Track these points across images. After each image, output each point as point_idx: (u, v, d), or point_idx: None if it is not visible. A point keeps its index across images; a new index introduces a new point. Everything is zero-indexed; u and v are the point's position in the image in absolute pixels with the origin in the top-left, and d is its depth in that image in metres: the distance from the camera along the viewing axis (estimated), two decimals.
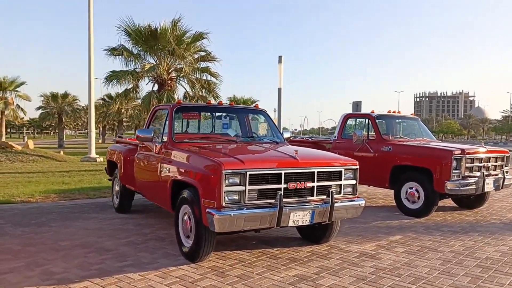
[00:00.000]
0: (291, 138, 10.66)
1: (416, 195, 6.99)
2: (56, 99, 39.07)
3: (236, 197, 3.95)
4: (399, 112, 8.61)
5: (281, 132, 5.97)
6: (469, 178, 6.72)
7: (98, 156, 18.81)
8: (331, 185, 4.51)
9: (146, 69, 14.64)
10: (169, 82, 15.96)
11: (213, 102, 17.11)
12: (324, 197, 4.39)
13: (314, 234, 5.12)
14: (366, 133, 7.98)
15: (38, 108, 39.67)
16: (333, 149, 8.50)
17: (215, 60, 16.66)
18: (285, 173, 4.14)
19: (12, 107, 29.82)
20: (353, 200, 4.70)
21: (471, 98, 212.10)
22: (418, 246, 5.13)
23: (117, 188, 6.93)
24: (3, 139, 29.43)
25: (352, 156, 8.01)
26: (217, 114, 6.24)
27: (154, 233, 5.54)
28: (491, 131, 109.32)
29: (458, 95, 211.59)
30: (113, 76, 15.04)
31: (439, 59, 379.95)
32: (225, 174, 3.85)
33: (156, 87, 16.10)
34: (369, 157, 7.76)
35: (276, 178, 4.12)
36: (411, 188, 7.09)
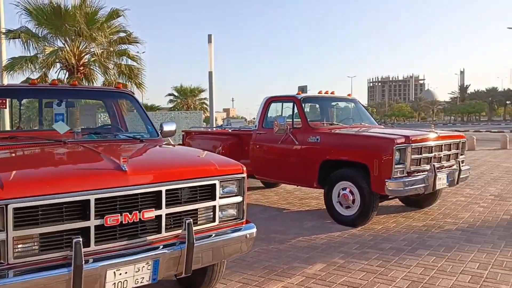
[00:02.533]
0: (211, 129, 8.91)
1: (351, 198, 5.42)
2: None
3: None
4: (332, 93, 7.00)
5: (159, 124, 4.13)
6: (416, 174, 5.22)
7: None
8: (196, 210, 2.77)
9: (47, 53, 12.29)
10: (81, 68, 13.70)
11: (135, 90, 15.07)
12: (181, 231, 2.64)
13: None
14: (292, 120, 6.32)
15: None
16: (254, 142, 6.81)
17: (137, 42, 14.52)
18: (96, 199, 2.33)
19: None
20: (238, 229, 2.98)
21: (421, 82, 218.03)
22: (343, 285, 3.51)
23: None
24: None
25: (275, 149, 6.41)
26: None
27: None
28: (440, 113, 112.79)
29: (409, 78, 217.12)
30: (10, 64, 12.56)
31: (391, 44, 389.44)
32: None
33: (67, 76, 13.80)
34: (294, 150, 6.11)
35: (81, 209, 2.32)
36: (344, 189, 5.50)
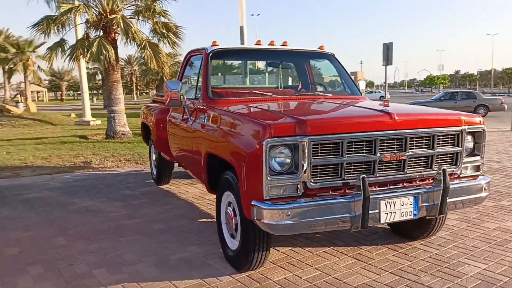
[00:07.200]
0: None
1: (233, 220, 3.13)
2: None
3: None
4: (284, 44, 4.41)
5: None
6: (331, 194, 2.67)
7: (94, 119, 17.66)
8: None
9: (62, 11, 11.40)
10: (114, 27, 12.69)
11: (168, 50, 13.60)
12: None
13: None
14: (195, 86, 4.10)
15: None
16: (168, 117, 4.78)
17: None
18: None
19: (32, 69, 28.77)
20: None
21: None
22: None
23: None
24: (29, 100, 28.97)
25: (177, 129, 4.33)
26: None
27: None
28: None
29: None
30: (34, 25, 11.98)
31: None
32: None
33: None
34: (187, 133, 3.93)
35: None
36: (230, 204, 3.22)
